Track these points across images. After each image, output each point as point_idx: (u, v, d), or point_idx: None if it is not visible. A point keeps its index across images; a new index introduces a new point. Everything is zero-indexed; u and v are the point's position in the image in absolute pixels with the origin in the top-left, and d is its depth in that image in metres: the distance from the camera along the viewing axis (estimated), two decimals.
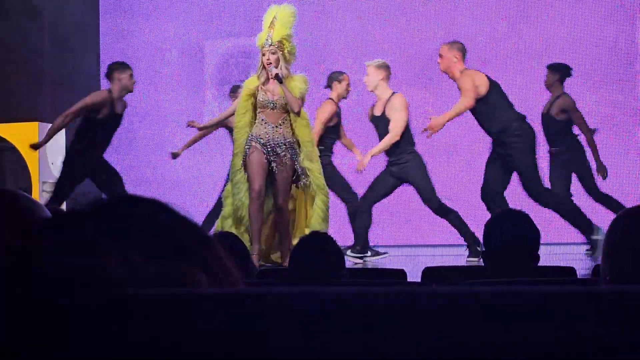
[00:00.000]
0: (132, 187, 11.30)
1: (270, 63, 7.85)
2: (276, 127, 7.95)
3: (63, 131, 12.06)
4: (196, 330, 0.72)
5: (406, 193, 12.59)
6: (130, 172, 12.14)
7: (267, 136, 7.92)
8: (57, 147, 11.90)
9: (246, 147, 7.97)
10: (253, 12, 11.07)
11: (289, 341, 0.71)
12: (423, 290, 0.72)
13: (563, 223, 11.49)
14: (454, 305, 0.72)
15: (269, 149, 7.88)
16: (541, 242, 3.74)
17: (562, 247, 10.07)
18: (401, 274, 4.74)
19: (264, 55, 7.94)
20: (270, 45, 7.89)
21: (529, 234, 3.63)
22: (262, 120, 7.99)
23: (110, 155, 10.26)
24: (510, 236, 3.60)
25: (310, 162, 8.00)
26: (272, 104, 7.93)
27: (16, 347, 0.73)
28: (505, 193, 9.41)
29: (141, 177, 12.94)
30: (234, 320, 0.73)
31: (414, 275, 5.12)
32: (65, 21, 12.37)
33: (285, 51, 7.92)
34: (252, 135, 7.97)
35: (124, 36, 13.48)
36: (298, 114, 7.90)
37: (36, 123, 11.76)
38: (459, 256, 9.85)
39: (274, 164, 7.89)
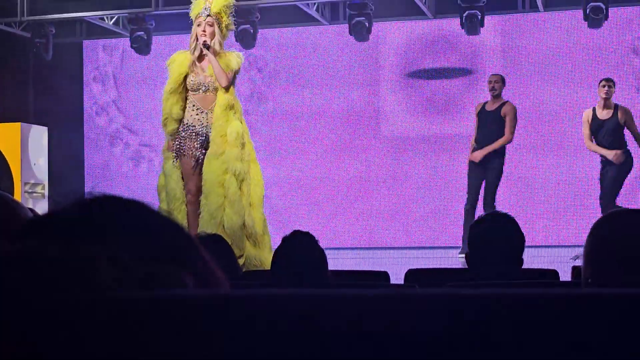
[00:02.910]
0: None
1: (205, 34, 7.08)
2: (209, 112, 7.15)
3: (46, 132, 12.01)
4: (183, 331, 0.72)
5: (390, 196, 12.63)
6: None
7: (200, 124, 7.15)
8: (40, 148, 11.85)
9: (177, 140, 7.21)
10: None
11: (275, 343, 0.71)
12: (415, 293, 0.72)
13: (547, 226, 11.53)
14: (443, 308, 0.72)
15: (203, 138, 7.16)
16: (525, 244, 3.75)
17: (544, 250, 10.10)
18: (384, 275, 4.74)
19: (199, 25, 7.15)
20: (208, 15, 7.11)
21: (514, 237, 3.64)
22: (193, 105, 7.18)
23: None
24: (495, 239, 3.60)
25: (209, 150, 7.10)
26: (204, 87, 7.13)
27: (3, 349, 0.72)
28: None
29: None
30: (220, 321, 0.73)
31: (397, 277, 5.12)
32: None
33: (223, 25, 7.17)
34: (184, 125, 7.18)
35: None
36: (226, 88, 7.08)
37: (19, 124, 11.71)
38: (442, 258, 9.87)
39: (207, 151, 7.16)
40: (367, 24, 10.95)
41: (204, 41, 7.08)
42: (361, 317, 0.71)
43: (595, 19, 10.17)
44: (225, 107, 7.11)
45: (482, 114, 9.92)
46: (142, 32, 11.61)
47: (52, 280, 0.78)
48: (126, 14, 11.57)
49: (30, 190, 11.56)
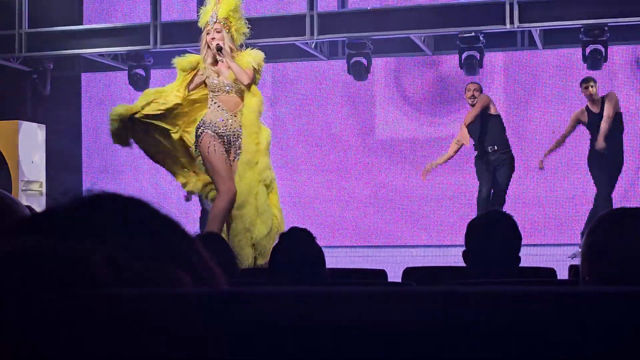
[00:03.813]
0: None
1: (214, 40, 7.06)
2: (234, 115, 7.11)
3: (44, 129, 11.99)
4: (179, 329, 0.72)
5: (387, 195, 12.64)
6: None
7: (224, 126, 7.10)
8: (37, 146, 11.83)
9: (199, 133, 7.12)
10: None
11: (274, 341, 0.71)
12: (413, 290, 0.72)
13: (543, 224, 11.52)
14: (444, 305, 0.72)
15: (226, 140, 7.11)
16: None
17: (542, 249, 10.11)
18: (382, 274, 4.74)
19: (208, 34, 7.15)
20: (216, 22, 7.11)
21: (511, 235, 3.63)
22: (218, 106, 7.12)
23: None
24: (492, 237, 3.60)
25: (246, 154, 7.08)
26: (227, 87, 7.10)
27: (3, 348, 0.72)
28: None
29: None
30: (219, 319, 0.72)
31: (395, 276, 5.12)
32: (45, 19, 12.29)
33: (232, 29, 7.15)
34: (204, 122, 7.13)
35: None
36: (248, 87, 7.03)
37: (16, 121, 11.69)
38: (439, 257, 9.87)
39: (231, 156, 7.11)
40: (365, 64, 10.84)
41: (217, 43, 7.06)
42: (360, 314, 0.71)
43: (594, 61, 10.14)
44: (257, 113, 7.09)
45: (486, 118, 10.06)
46: (141, 69, 11.55)
47: (50, 279, 0.78)
48: (125, 52, 11.57)
49: (27, 188, 11.55)
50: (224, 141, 7.09)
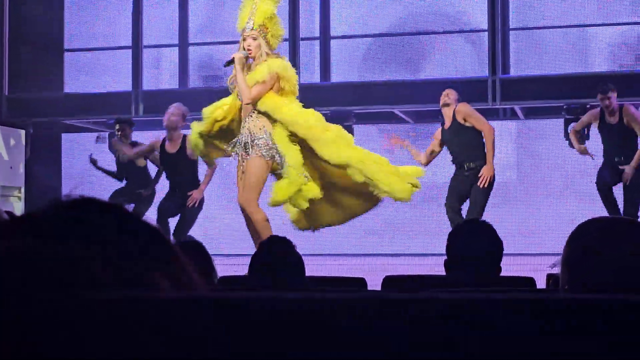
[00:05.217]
0: None
1: (250, 50, 7.17)
2: (244, 121, 7.23)
3: (23, 134, 11.94)
4: (179, 330, 0.72)
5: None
6: None
7: (239, 134, 7.28)
8: (17, 151, 11.78)
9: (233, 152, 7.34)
10: None
11: (271, 343, 0.71)
12: (393, 297, 0.72)
13: (525, 234, 11.51)
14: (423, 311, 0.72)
15: (237, 148, 7.24)
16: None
17: (522, 258, 10.15)
18: (361, 282, 4.74)
19: (244, 40, 7.23)
20: (252, 29, 7.19)
21: (492, 244, 3.65)
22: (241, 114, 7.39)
23: None
24: (473, 246, 3.61)
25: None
26: (239, 95, 7.27)
27: (3, 349, 0.72)
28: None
29: None
30: (217, 321, 0.73)
31: (374, 284, 5.12)
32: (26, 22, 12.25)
33: (268, 35, 7.22)
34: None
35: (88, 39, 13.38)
36: (246, 103, 7.13)
37: None
38: (419, 265, 9.88)
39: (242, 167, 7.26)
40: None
41: (230, 59, 7.25)
42: (341, 320, 0.71)
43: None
44: (254, 118, 7.24)
45: (443, 135, 9.00)
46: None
47: (50, 279, 0.78)
48: (105, 119, 11.57)
49: (6, 194, 11.49)
50: (236, 152, 7.33)
